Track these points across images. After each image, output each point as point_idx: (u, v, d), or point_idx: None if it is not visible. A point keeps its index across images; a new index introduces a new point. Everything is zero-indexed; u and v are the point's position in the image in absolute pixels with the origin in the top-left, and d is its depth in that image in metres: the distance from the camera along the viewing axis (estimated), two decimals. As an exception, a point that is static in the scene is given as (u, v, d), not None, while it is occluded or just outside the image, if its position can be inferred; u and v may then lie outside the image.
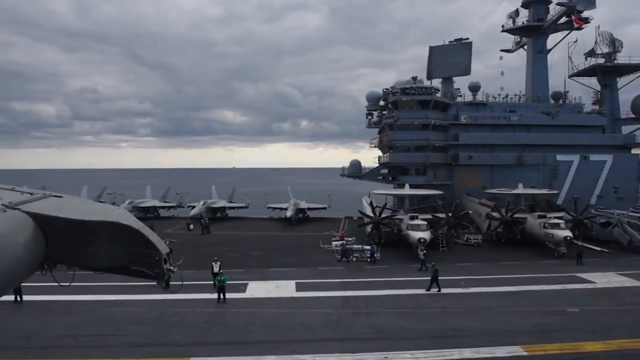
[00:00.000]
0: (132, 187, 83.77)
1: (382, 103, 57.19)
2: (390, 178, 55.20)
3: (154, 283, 3.40)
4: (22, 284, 19.44)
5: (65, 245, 3.23)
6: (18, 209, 3.13)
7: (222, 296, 25.12)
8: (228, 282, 25.58)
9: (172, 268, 3.31)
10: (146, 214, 62.59)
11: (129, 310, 23.80)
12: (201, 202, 60.44)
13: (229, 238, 47.49)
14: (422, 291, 26.97)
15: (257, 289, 27.73)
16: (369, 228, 41.04)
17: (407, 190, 44.75)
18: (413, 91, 50.62)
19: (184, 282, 3.78)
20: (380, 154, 60.51)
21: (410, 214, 40.05)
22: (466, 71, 56.87)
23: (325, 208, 62.18)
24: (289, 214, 56.21)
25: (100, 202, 60.32)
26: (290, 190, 67.60)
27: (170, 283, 3.49)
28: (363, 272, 33.28)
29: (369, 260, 35.91)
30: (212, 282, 27.70)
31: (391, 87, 52.54)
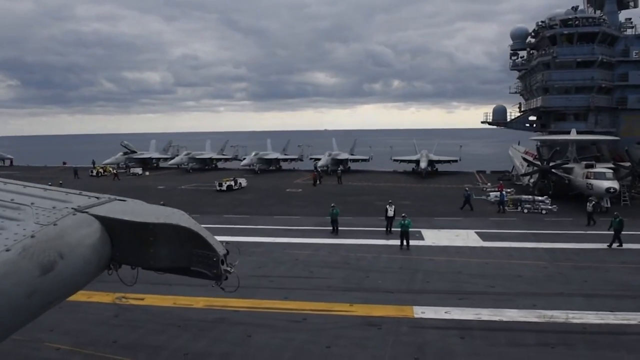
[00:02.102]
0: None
1: (530, 40, 50.27)
2: (541, 125, 48.76)
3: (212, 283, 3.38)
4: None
5: (129, 246, 3.32)
6: (86, 212, 3.26)
7: (405, 242, 22.23)
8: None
9: (229, 269, 3.40)
10: (204, 165, 64.28)
11: (309, 253, 21.82)
12: (253, 153, 61.10)
13: (366, 188, 44.87)
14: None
15: (437, 237, 24.62)
16: (526, 178, 36.18)
17: (574, 136, 38.71)
18: (577, 22, 43.40)
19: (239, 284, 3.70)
20: (522, 100, 54.03)
21: (585, 162, 34.48)
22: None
23: (456, 161, 57.41)
24: (423, 165, 52.29)
25: (171, 156, 62.80)
26: (415, 143, 63.48)
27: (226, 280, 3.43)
28: (542, 223, 28.80)
29: (543, 212, 31.27)
30: (386, 228, 25.24)
31: (549, 19, 45.43)
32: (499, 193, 35.75)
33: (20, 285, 2.60)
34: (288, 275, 18.64)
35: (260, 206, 35.14)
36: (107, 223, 3.26)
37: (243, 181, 45.70)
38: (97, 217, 3.25)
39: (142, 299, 16.24)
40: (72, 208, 3.23)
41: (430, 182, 49.66)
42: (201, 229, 3.46)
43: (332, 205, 26.05)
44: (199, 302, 15.70)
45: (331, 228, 25.59)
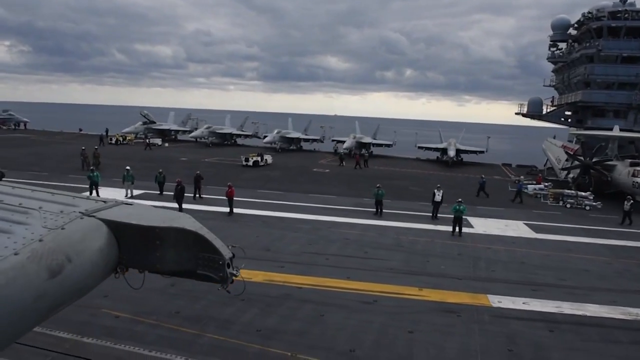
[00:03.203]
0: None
1: (572, 32, 48.57)
2: (577, 121, 47.28)
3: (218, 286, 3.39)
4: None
5: (136, 250, 3.33)
6: (93, 216, 3.27)
7: (457, 228, 21.25)
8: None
9: (234, 272, 3.36)
10: (223, 140, 63.63)
11: (358, 233, 20.94)
12: (275, 131, 60.05)
13: (394, 173, 43.75)
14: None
15: (486, 226, 23.67)
16: (563, 174, 35.00)
17: (617, 132, 37.37)
18: (626, 15, 41.69)
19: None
20: (556, 93, 52.48)
21: (630, 160, 33.26)
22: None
23: (483, 152, 56.06)
24: (451, 153, 51.07)
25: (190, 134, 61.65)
26: (440, 133, 62.16)
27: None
28: (589, 219, 27.70)
29: (587, 208, 30.15)
30: (432, 213, 24.29)
31: (596, 10, 43.67)
32: (537, 185, 34.77)
33: (28, 289, 2.61)
34: (342, 254, 17.72)
35: (291, 183, 34.16)
36: (114, 227, 3.28)
37: (269, 158, 44.74)
38: (104, 221, 3.28)
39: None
40: (79, 212, 3.27)
41: (457, 171, 48.47)
42: (207, 232, 3.41)
43: (378, 185, 25.02)
44: (258, 275, 14.81)
45: (374, 209, 24.59)
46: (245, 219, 22.40)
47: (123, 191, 26.71)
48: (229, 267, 3.35)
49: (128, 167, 26.87)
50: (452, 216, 21.54)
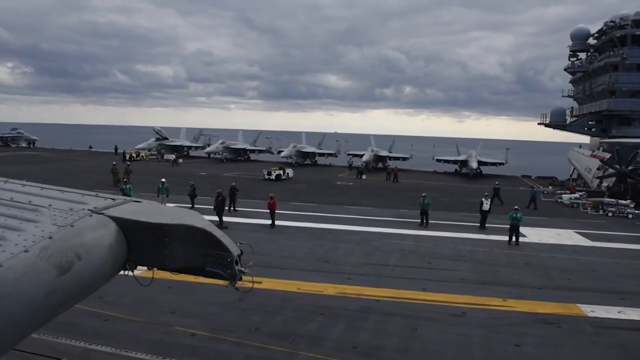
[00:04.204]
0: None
1: (591, 42, 48.24)
2: (601, 130, 46.62)
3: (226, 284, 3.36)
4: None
5: (145, 247, 3.32)
6: (102, 213, 3.26)
7: (514, 237, 20.36)
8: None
9: (243, 269, 3.33)
10: (237, 156, 63.24)
11: (411, 244, 20.03)
12: (291, 145, 60.38)
13: (419, 185, 42.67)
14: None
15: (538, 235, 22.80)
16: (595, 182, 34.14)
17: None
18: (650, 23, 41.40)
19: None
20: (575, 104, 51.94)
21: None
22: None
23: (502, 164, 55.24)
24: (473, 164, 50.27)
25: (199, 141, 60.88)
26: (457, 145, 61.53)
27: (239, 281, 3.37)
28: (635, 227, 26.78)
29: (630, 216, 29.31)
30: (480, 223, 23.42)
31: (620, 19, 43.35)
32: (572, 195, 33.97)
33: (38, 285, 2.62)
34: (405, 264, 16.82)
35: (320, 196, 33.28)
36: (123, 224, 3.27)
37: (290, 171, 43.95)
38: (113, 218, 3.27)
39: (260, 282, 14.43)
40: (88, 209, 3.28)
41: (479, 182, 47.61)
42: (215, 229, 3.39)
43: (423, 195, 24.19)
44: (328, 288, 13.89)
45: (419, 220, 23.69)
46: (289, 231, 21.49)
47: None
48: (237, 265, 3.29)
49: (163, 180, 26.17)
50: (499, 226, 20.67)
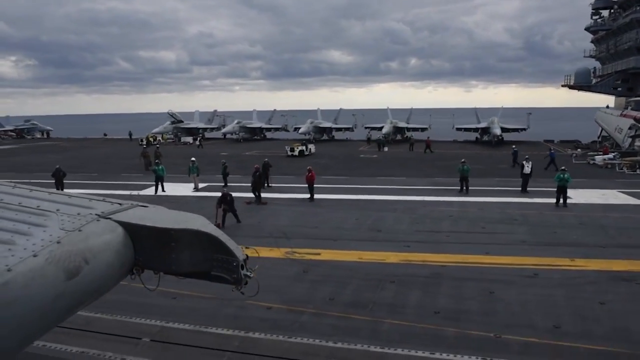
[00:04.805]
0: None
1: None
2: (627, 89, 45.45)
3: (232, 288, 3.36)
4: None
5: (151, 252, 3.36)
6: (110, 218, 3.31)
7: (562, 199, 19.93)
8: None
9: (249, 274, 3.34)
10: (252, 135, 62.89)
11: (458, 210, 19.75)
12: (309, 121, 60.20)
13: (444, 154, 42.15)
14: None
15: (583, 196, 22.26)
16: (627, 142, 33.36)
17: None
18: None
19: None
20: (598, 64, 50.64)
21: None
22: None
23: (524, 129, 54.41)
24: (497, 131, 49.55)
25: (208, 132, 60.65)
26: (477, 112, 60.63)
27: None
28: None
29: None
30: (522, 186, 23.00)
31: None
32: (605, 156, 33.34)
33: (46, 290, 2.64)
34: (459, 230, 16.50)
35: (348, 170, 32.86)
36: (130, 229, 3.29)
37: (312, 147, 43.57)
38: (120, 223, 3.29)
39: (319, 254, 14.21)
40: (95, 214, 3.31)
41: (502, 149, 46.88)
42: (221, 234, 3.38)
43: (463, 160, 23.68)
44: (389, 257, 13.63)
45: (459, 187, 23.28)
46: (329, 204, 21.19)
47: (185, 185, 25.75)
48: (243, 269, 3.29)
49: (193, 159, 25.92)
50: (543, 189, 20.19)
